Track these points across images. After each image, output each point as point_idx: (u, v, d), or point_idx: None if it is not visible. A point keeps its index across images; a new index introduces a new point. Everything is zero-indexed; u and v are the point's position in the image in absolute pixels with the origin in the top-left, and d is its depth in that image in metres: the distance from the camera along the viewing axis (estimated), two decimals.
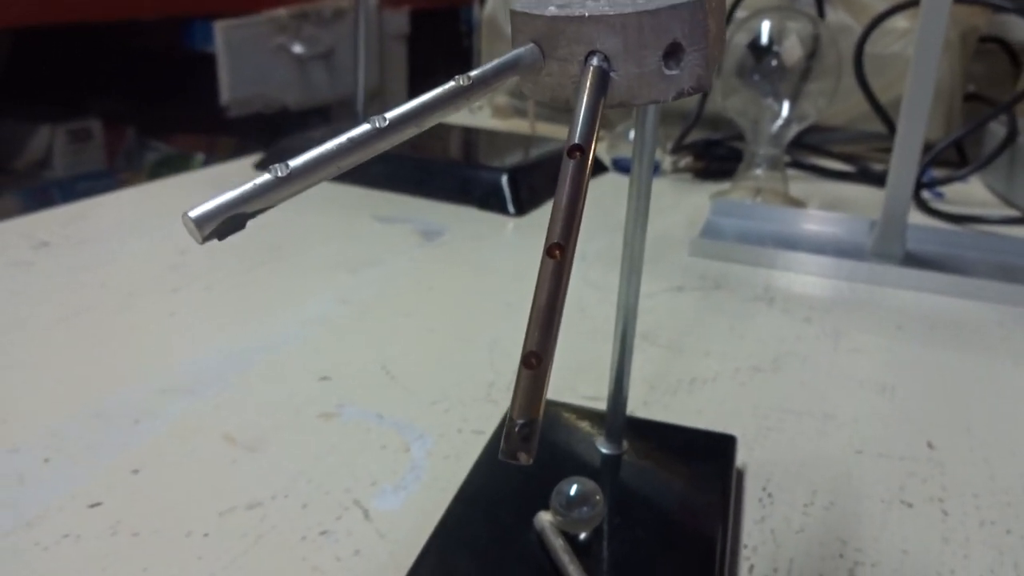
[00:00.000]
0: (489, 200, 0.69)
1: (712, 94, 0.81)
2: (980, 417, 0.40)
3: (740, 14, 0.85)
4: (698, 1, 0.19)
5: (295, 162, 0.17)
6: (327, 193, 0.70)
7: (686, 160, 0.81)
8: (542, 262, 0.18)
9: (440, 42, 1.87)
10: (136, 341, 0.44)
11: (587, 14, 0.19)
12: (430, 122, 0.18)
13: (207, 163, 1.38)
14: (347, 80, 1.49)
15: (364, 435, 0.36)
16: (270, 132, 1.35)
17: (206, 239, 0.16)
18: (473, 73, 0.19)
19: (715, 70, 0.21)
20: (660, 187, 0.78)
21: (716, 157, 0.80)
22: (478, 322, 0.48)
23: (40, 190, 1.19)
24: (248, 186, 0.16)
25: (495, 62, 0.20)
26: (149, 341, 0.44)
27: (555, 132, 0.93)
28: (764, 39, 0.70)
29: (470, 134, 0.88)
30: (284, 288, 0.52)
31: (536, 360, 0.17)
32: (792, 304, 0.53)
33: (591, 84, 0.19)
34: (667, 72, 0.19)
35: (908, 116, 0.56)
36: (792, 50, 0.70)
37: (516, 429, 0.16)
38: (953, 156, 0.86)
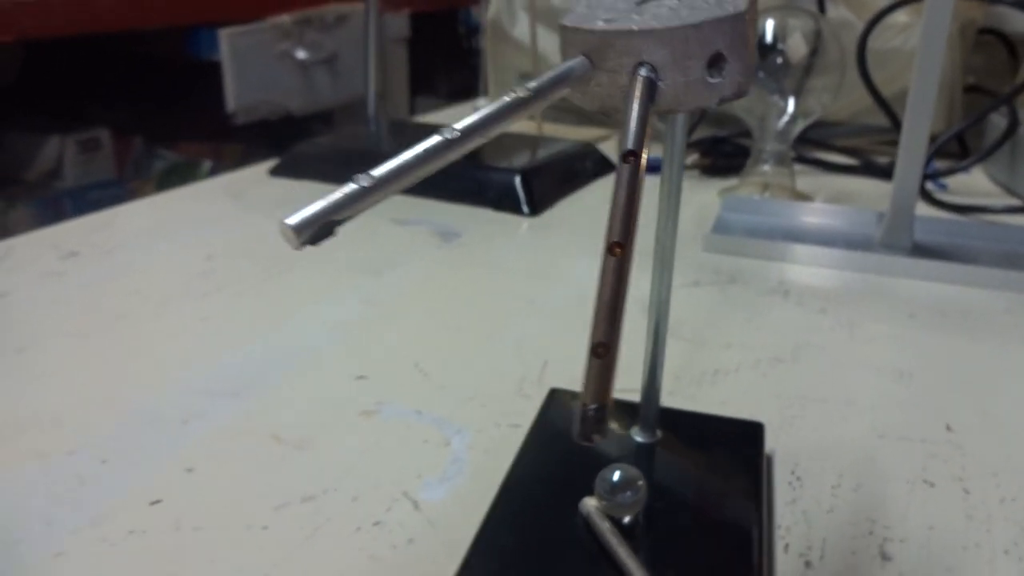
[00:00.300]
0: (503, 201, 0.70)
1: None
2: (994, 399, 0.42)
3: None
4: (739, 14, 0.20)
5: (378, 172, 0.18)
6: None
7: (693, 157, 0.83)
8: (604, 259, 0.19)
9: (440, 44, 1.89)
10: (175, 345, 0.46)
11: (636, 28, 0.21)
12: (494, 132, 0.20)
13: (214, 170, 1.39)
14: (350, 84, 1.50)
15: (405, 431, 0.38)
16: (274, 138, 1.36)
17: (302, 245, 0.17)
18: (531, 85, 0.21)
19: (752, 76, 0.22)
20: None
21: (723, 154, 0.82)
22: (502, 320, 0.50)
23: (52, 200, 1.20)
24: (338, 195, 0.18)
25: (549, 74, 0.21)
26: (188, 345, 0.46)
27: (562, 132, 0.94)
28: (768, 37, 0.71)
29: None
30: (311, 291, 0.53)
31: (604, 350, 0.18)
32: (806, 296, 0.54)
33: (640, 93, 0.20)
34: (710, 80, 0.21)
35: (914, 110, 0.57)
36: (796, 47, 0.71)
37: (590, 413, 0.18)
38: (955, 147, 0.87)
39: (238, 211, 0.68)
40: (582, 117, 0.97)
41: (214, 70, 1.30)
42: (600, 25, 0.21)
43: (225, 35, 1.27)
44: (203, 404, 0.39)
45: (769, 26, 0.72)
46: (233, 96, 1.28)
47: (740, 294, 0.55)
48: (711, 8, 0.21)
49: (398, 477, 0.34)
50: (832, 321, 0.50)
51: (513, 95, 0.20)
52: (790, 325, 0.50)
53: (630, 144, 0.20)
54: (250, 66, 1.30)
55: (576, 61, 0.22)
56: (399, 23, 1.61)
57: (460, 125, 0.19)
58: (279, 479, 0.34)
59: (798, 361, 0.45)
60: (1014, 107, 0.77)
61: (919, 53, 0.56)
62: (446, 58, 1.91)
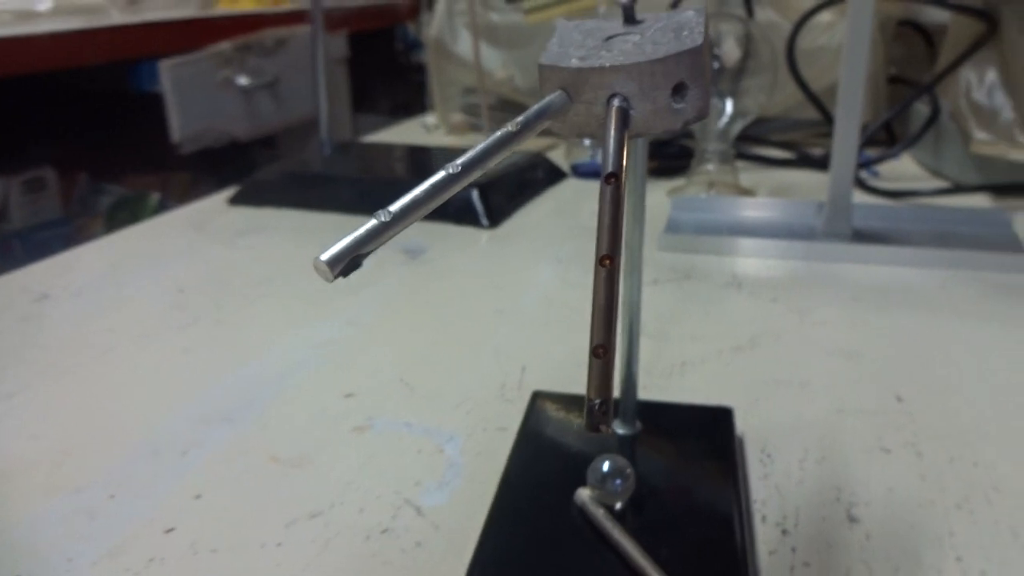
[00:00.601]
0: (463, 215, 0.73)
1: None
2: (937, 369, 0.45)
3: None
4: (697, 47, 0.23)
5: (394, 207, 0.20)
6: (305, 223, 0.72)
7: None
8: (596, 271, 0.22)
9: (379, 62, 1.90)
10: (161, 378, 0.47)
11: (607, 64, 0.23)
12: (491, 164, 0.22)
13: (163, 201, 1.38)
14: (292, 108, 1.51)
15: (398, 442, 0.40)
16: (220, 165, 1.36)
17: (335, 278, 0.19)
18: (518, 120, 0.23)
19: (709, 99, 0.25)
20: None
21: (669, 156, 0.85)
22: (476, 330, 0.52)
23: (0, 243, 1.19)
24: (362, 231, 0.20)
25: (532, 109, 0.24)
26: (174, 376, 0.47)
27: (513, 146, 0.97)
28: None
29: (434, 153, 0.92)
30: (289, 316, 0.55)
31: (603, 351, 0.21)
32: (758, 287, 0.58)
33: (615, 121, 0.23)
34: (675, 106, 0.23)
35: (844, 103, 0.61)
36: (730, 52, 0.75)
37: (595, 407, 0.20)
38: (883, 136, 0.92)
39: (203, 242, 0.69)
40: None
41: (157, 102, 1.30)
42: (575, 63, 0.24)
43: (166, 67, 1.27)
44: (199, 433, 0.41)
45: None
46: (177, 126, 1.28)
47: (696, 289, 0.58)
48: (671, 43, 0.24)
49: (398, 486, 0.36)
50: (784, 309, 0.54)
51: (504, 130, 0.22)
52: (746, 315, 0.53)
53: (610, 167, 0.22)
54: (193, 95, 1.30)
55: (555, 95, 0.24)
56: (338, 43, 1.62)
57: (460, 160, 0.22)
58: (284, 498, 0.36)
59: (756, 348, 0.48)
60: (935, 95, 0.82)
61: (845, 50, 0.60)
62: (386, 75, 1.92)
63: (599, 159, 0.88)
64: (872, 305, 0.54)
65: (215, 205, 0.80)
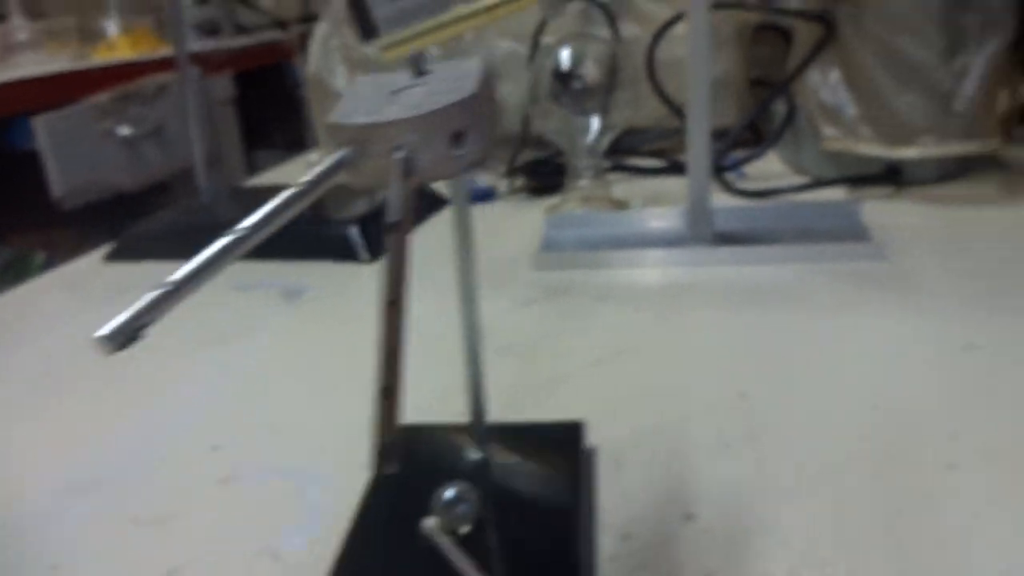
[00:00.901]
0: (342, 251, 0.73)
1: (533, 118, 0.88)
2: (783, 364, 0.48)
3: (545, 40, 0.93)
4: (472, 96, 0.25)
5: (176, 276, 0.21)
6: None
7: (519, 182, 0.88)
8: (380, 315, 0.23)
9: (269, 98, 1.89)
10: (28, 449, 0.46)
11: (388, 120, 0.24)
12: (280, 223, 0.23)
13: (49, 260, 1.34)
14: (179, 154, 1.49)
15: (262, 490, 0.40)
16: (108, 218, 1.33)
17: (113, 352, 0.20)
18: (306, 179, 0.24)
19: (492, 142, 0.26)
20: (500, 211, 0.85)
21: (545, 174, 0.87)
22: (351, 369, 0.52)
23: None
24: (141, 304, 0.21)
25: (322, 165, 0.25)
26: (40, 448, 0.46)
27: None
28: (565, 66, 0.77)
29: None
30: (160, 373, 0.54)
31: (388, 392, 0.22)
32: (627, 297, 0.60)
33: (399, 172, 0.24)
34: (456, 153, 0.25)
35: (694, 110, 0.64)
36: (592, 72, 0.78)
37: (383, 448, 0.21)
38: (752, 138, 0.96)
39: (74, 305, 0.68)
40: None
41: (35, 159, 1.26)
42: (360, 120, 0.25)
43: (40, 122, 1.23)
44: (62, 502, 0.40)
45: (565, 56, 0.78)
46: (57, 182, 1.25)
47: (568, 305, 0.59)
48: (450, 93, 0.25)
49: (258, 535, 0.36)
50: (648, 316, 0.56)
51: (291, 191, 0.23)
52: (612, 327, 0.55)
53: (395, 216, 0.23)
54: (71, 149, 1.27)
55: (345, 151, 0.25)
56: (223, 84, 1.61)
57: (246, 223, 0.22)
58: (142, 558, 0.36)
59: (619, 358, 0.50)
60: (791, 94, 0.87)
61: (689, 58, 0.63)
62: (278, 111, 1.91)
63: (479, 182, 0.90)
64: (729, 305, 0.57)
65: (91, 264, 0.78)
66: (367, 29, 0.67)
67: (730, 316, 0.55)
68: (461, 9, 0.60)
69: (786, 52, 1.08)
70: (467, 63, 0.27)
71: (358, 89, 0.28)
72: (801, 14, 0.82)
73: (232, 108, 1.64)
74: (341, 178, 0.26)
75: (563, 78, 0.78)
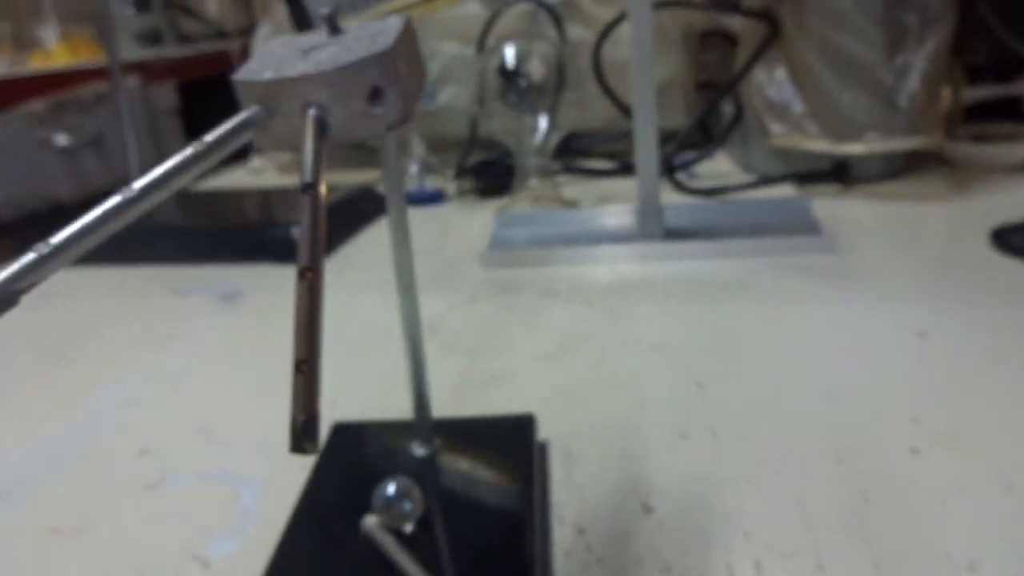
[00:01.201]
0: (284, 253, 0.71)
1: (480, 119, 0.86)
2: (736, 354, 0.47)
3: (491, 42, 0.91)
4: (386, 51, 0.23)
5: (56, 238, 0.19)
6: (121, 277, 0.69)
7: (468, 184, 0.87)
8: (297, 284, 0.21)
9: (215, 109, 1.85)
10: None
11: (297, 75, 0.23)
12: (176, 186, 0.21)
13: None
14: (119, 164, 1.44)
15: (192, 495, 0.37)
16: (46, 230, 1.28)
17: None
18: (207, 138, 0.22)
19: (417, 102, 0.25)
20: (449, 212, 0.83)
21: (494, 176, 0.86)
22: (286, 371, 0.50)
23: None
24: (16, 266, 0.18)
25: (227, 125, 0.23)
26: None
27: (343, 177, 0.95)
28: (510, 64, 0.76)
29: (261, 195, 0.89)
30: (89, 377, 0.51)
31: (306, 366, 0.20)
32: (575, 293, 0.58)
33: (311, 131, 0.22)
34: (374, 111, 0.23)
35: (639, 110, 0.63)
36: (537, 70, 0.77)
37: (299, 426, 0.19)
38: (702, 139, 0.96)
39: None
40: (360, 160, 0.99)
41: None
42: (267, 76, 0.23)
43: None
44: None
45: (510, 54, 0.77)
46: None
47: (515, 303, 0.58)
48: (363, 48, 0.23)
49: (187, 541, 0.34)
50: (596, 311, 0.54)
51: (188, 150, 0.21)
52: (560, 323, 0.53)
53: (308, 177, 0.22)
54: (4, 160, 1.22)
55: (252, 111, 0.23)
56: (166, 94, 1.56)
57: (137, 184, 0.20)
58: (62, 570, 0.33)
59: (567, 353, 0.49)
60: (737, 95, 0.87)
61: (633, 60, 0.62)
62: (223, 121, 1.87)
63: (428, 185, 0.88)
64: (681, 299, 0.56)
65: None
66: (302, 24, 0.64)
67: (683, 310, 0.54)
68: (398, 2, 0.59)
69: (733, 57, 1.08)
70: (386, 22, 0.25)
71: (270, 48, 0.26)
72: (746, 12, 0.82)
73: (176, 118, 1.60)
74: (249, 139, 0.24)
75: (509, 76, 0.77)
